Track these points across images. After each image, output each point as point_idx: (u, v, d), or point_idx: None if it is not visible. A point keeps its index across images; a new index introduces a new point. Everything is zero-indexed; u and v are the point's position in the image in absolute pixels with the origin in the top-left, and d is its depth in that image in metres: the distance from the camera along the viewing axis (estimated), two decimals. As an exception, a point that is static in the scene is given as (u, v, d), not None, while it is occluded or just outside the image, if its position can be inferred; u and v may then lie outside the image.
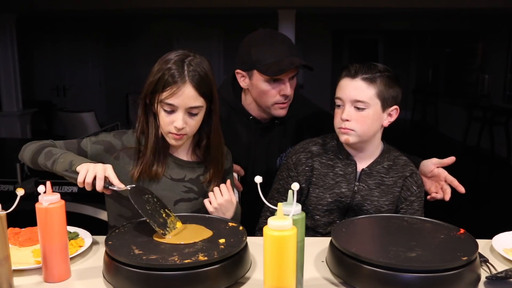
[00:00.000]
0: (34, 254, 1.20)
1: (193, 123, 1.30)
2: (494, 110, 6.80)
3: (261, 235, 1.10)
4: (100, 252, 1.25)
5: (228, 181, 1.39)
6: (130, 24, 8.30)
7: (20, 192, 0.98)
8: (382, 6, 5.34)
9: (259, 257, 1.20)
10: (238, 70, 1.61)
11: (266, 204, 1.08)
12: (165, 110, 1.27)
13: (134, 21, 8.23)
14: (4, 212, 0.99)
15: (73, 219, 1.40)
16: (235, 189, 1.55)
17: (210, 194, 1.36)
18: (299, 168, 1.46)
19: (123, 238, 1.15)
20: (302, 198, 1.47)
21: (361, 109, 1.34)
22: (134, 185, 1.22)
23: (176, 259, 1.02)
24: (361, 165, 1.43)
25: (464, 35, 8.19)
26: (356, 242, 1.13)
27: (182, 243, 1.11)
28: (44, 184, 1.05)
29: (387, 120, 1.40)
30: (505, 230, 1.34)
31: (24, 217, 1.37)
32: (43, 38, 8.22)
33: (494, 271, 1.12)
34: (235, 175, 1.61)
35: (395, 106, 1.39)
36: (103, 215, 3.02)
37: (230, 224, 1.24)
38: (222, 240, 1.12)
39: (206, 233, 1.17)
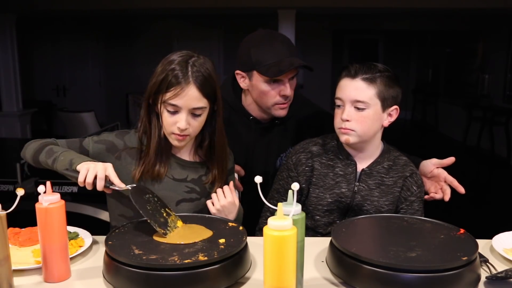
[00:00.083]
0: (34, 254, 1.20)
1: (196, 124, 1.29)
2: (494, 110, 6.80)
3: (261, 235, 1.10)
4: (100, 252, 1.25)
5: (231, 183, 1.39)
6: (130, 24, 8.30)
7: (20, 192, 0.98)
8: (382, 6, 5.34)
9: (259, 257, 1.20)
10: (238, 71, 1.61)
11: (266, 204, 1.08)
12: (168, 111, 1.27)
13: (134, 21, 8.23)
14: (4, 212, 0.99)
15: (73, 219, 1.40)
16: (236, 189, 1.55)
17: (213, 195, 1.36)
18: (299, 168, 1.46)
19: (123, 238, 1.15)
20: (302, 198, 1.47)
21: (361, 109, 1.34)
22: (135, 185, 1.22)
23: (176, 259, 1.02)
24: (361, 165, 1.43)
25: (464, 35, 8.19)
26: (356, 242, 1.13)
27: (182, 243, 1.11)
28: (44, 184, 1.05)
29: (387, 120, 1.40)
30: (505, 230, 1.34)
31: (24, 217, 1.37)
32: (43, 38, 8.22)
33: (494, 271, 1.12)
34: (235, 175, 1.61)
35: (395, 106, 1.39)
36: (103, 215, 3.02)
37: (230, 224, 1.24)
38: (222, 240, 1.12)
39: (206, 233, 1.17)
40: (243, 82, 1.61)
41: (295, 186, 0.91)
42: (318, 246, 1.29)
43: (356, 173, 1.43)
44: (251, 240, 1.20)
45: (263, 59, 1.52)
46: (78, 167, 1.19)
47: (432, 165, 1.50)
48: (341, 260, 1.09)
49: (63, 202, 1.08)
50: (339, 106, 1.39)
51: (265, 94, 1.56)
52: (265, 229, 0.89)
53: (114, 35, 8.55)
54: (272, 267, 0.89)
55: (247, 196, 1.64)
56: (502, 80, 6.90)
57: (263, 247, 0.89)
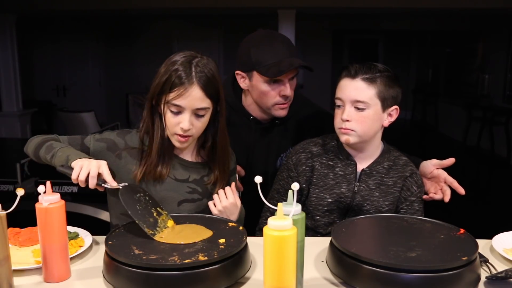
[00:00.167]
0: (34, 254, 1.20)
1: (199, 125, 1.29)
2: (494, 110, 6.80)
3: (261, 235, 1.10)
4: (100, 252, 1.25)
5: (233, 184, 1.39)
6: (130, 24, 8.30)
7: (20, 192, 0.98)
8: (382, 6, 5.34)
9: (259, 257, 1.20)
10: (238, 71, 1.61)
11: (266, 204, 1.08)
12: (171, 111, 1.26)
13: (134, 21, 8.23)
14: (4, 212, 0.99)
15: (73, 219, 1.41)
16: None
17: (215, 196, 1.36)
18: (299, 169, 1.46)
19: (123, 238, 1.15)
20: (302, 198, 1.47)
21: (361, 109, 1.34)
22: (126, 184, 1.21)
23: (176, 259, 1.02)
24: (361, 165, 1.43)
25: (464, 35, 8.19)
26: (356, 242, 1.13)
27: (182, 243, 1.11)
28: (44, 184, 1.05)
29: (387, 120, 1.40)
30: (505, 230, 1.34)
31: (24, 217, 1.37)
32: (43, 38, 8.22)
33: (494, 271, 1.12)
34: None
35: (395, 106, 1.39)
36: (103, 215, 3.02)
37: (230, 224, 1.24)
38: (222, 240, 1.12)
39: (206, 233, 1.16)
40: (243, 83, 1.61)
41: (295, 186, 0.91)
42: (318, 246, 1.29)
43: (356, 173, 1.43)
44: (251, 240, 1.20)
45: (263, 59, 1.52)
46: (73, 164, 1.19)
47: (432, 166, 1.50)
48: (341, 260, 1.09)
49: (63, 202, 1.08)
50: (339, 106, 1.39)
51: (265, 94, 1.56)
52: (265, 229, 0.89)
53: (114, 35, 8.55)
54: (272, 267, 0.89)
55: (247, 196, 1.64)
56: (502, 80, 6.90)
57: (263, 247, 0.89)
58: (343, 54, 9.75)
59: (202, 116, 1.28)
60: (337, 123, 1.39)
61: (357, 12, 6.91)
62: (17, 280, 1.09)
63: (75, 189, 3.13)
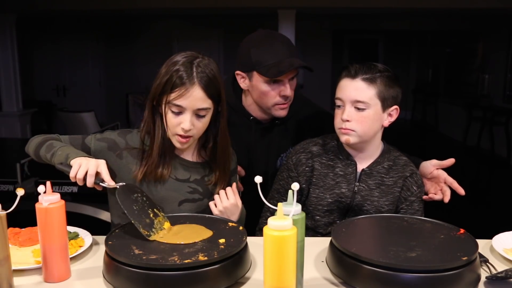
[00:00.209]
0: (34, 254, 1.20)
1: (200, 125, 1.29)
2: (494, 110, 6.80)
3: (261, 235, 1.10)
4: (100, 252, 1.25)
5: (234, 185, 1.39)
6: (130, 24, 8.30)
7: (20, 192, 0.98)
8: (382, 6, 5.34)
9: (259, 257, 1.20)
10: (238, 72, 1.61)
11: (266, 204, 1.08)
12: (172, 112, 1.26)
13: (134, 21, 8.23)
14: (4, 212, 0.99)
15: (73, 219, 1.41)
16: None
17: (216, 196, 1.36)
18: (299, 169, 1.46)
19: (123, 238, 1.15)
20: (302, 198, 1.47)
21: (362, 110, 1.34)
22: (124, 183, 1.21)
23: (176, 259, 1.02)
24: (361, 165, 1.43)
25: (464, 35, 8.19)
26: (356, 242, 1.13)
27: (182, 243, 1.11)
28: (44, 184, 1.05)
29: (387, 120, 1.40)
30: (505, 230, 1.34)
31: (24, 217, 1.37)
32: (43, 38, 8.22)
33: (494, 271, 1.12)
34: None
35: (395, 106, 1.39)
36: (103, 215, 3.02)
37: (230, 224, 1.24)
38: (222, 240, 1.12)
39: (206, 233, 1.16)
40: (243, 83, 1.61)
41: (295, 186, 0.91)
42: (318, 246, 1.29)
43: (356, 173, 1.43)
44: (251, 240, 1.20)
45: (263, 60, 1.52)
46: (72, 162, 1.19)
47: (432, 166, 1.50)
48: (341, 260, 1.09)
49: (63, 202, 1.08)
50: (339, 106, 1.39)
51: (265, 94, 1.56)
52: (265, 229, 0.89)
53: (114, 35, 8.55)
54: (272, 267, 0.89)
55: (247, 196, 1.64)
56: (502, 80, 6.90)
57: (263, 247, 0.89)
58: (343, 54, 9.75)
59: (203, 116, 1.28)
60: (337, 123, 1.39)
61: (357, 12, 6.91)
62: (17, 280, 1.09)
63: (75, 189, 3.13)
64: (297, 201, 0.98)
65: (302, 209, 1.14)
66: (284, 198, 1.46)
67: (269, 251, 0.88)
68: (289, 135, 1.71)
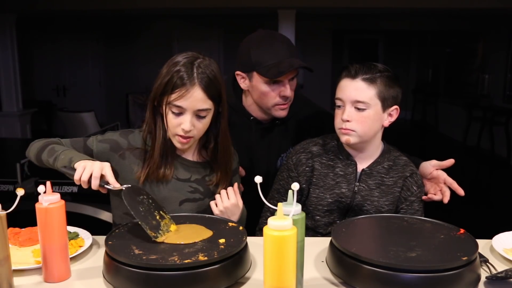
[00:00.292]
0: (34, 254, 1.20)
1: (201, 126, 1.29)
2: (494, 110, 6.80)
3: (261, 235, 1.10)
4: (100, 252, 1.25)
5: (235, 185, 1.40)
6: (130, 24, 8.30)
7: (20, 192, 0.98)
8: (382, 6, 5.34)
9: (259, 257, 1.20)
10: (238, 72, 1.61)
11: (266, 204, 1.08)
12: (173, 112, 1.26)
13: (134, 21, 8.23)
14: (4, 212, 0.99)
15: (73, 219, 1.40)
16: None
17: (217, 196, 1.36)
18: (300, 169, 1.46)
19: (123, 238, 1.15)
20: (302, 198, 1.47)
21: (362, 110, 1.34)
22: (129, 185, 1.21)
23: (176, 259, 1.02)
24: (361, 165, 1.43)
25: (464, 35, 8.19)
26: (356, 242, 1.13)
27: (182, 243, 1.11)
28: (44, 184, 1.05)
29: (387, 120, 1.40)
30: (505, 230, 1.34)
31: (24, 217, 1.37)
32: (43, 38, 8.22)
33: (494, 271, 1.12)
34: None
35: (395, 106, 1.39)
36: (103, 215, 3.02)
37: (230, 224, 1.24)
38: (222, 240, 1.12)
39: (206, 233, 1.16)
40: (243, 83, 1.61)
41: (295, 186, 0.91)
42: (318, 246, 1.29)
43: (356, 173, 1.43)
44: (251, 240, 1.20)
45: (263, 60, 1.52)
46: (76, 165, 1.19)
47: (431, 167, 1.50)
48: (341, 260, 1.09)
49: (63, 202, 1.08)
50: (339, 106, 1.39)
51: (265, 95, 1.56)
52: (265, 229, 0.89)
53: (114, 35, 8.55)
54: (272, 267, 0.89)
55: (248, 196, 1.64)
56: (502, 80, 6.90)
57: (263, 247, 0.89)
58: (343, 54, 9.75)
59: (204, 117, 1.28)
60: (338, 123, 1.39)
61: (357, 12, 6.91)
62: (17, 280, 1.09)
63: (75, 189, 3.13)
64: (297, 201, 0.98)
65: (302, 209, 1.14)
66: (284, 198, 1.46)
67: (269, 251, 0.88)
68: (289, 135, 1.71)
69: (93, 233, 1.33)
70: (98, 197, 1.44)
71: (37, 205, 1.06)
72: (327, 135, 1.51)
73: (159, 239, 1.13)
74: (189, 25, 8.38)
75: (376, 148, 1.44)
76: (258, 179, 0.96)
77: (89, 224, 1.52)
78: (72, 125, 5.83)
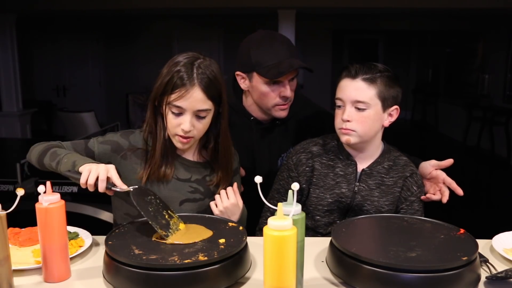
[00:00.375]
0: (34, 254, 1.20)
1: (201, 126, 1.29)
2: (494, 110, 6.80)
3: (261, 235, 1.10)
4: (100, 252, 1.25)
5: (235, 184, 1.40)
6: (130, 24, 8.30)
7: (20, 192, 0.98)
8: (382, 6, 5.33)
9: (259, 257, 1.20)
10: (238, 72, 1.61)
11: (266, 204, 1.08)
12: (173, 112, 1.27)
13: (134, 21, 8.23)
14: (4, 212, 0.99)
15: (73, 219, 1.40)
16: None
17: (217, 197, 1.36)
18: (300, 169, 1.46)
19: (123, 238, 1.15)
20: (302, 198, 1.47)
21: (362, 110, 1.34)
22: (136, 186, 1.21)
23: (176, 259, 1.02)
24: (362, 165, 1.43)
25: (464, 35, 8.19)
26: (356, 242, 1.13)
27: (182, 243, 1.11)
28: (44, 184, 1.05)
29: (387, 120, 1.40)
30: (505, 230, 1.34)
31: (24, 217, 1.37)
32: (43, 38, 8.21)
33: (494, 271, 1.12)
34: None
35: (396, 106, 1.39)
36: (103, 215, 3.02)
37: (230, 224, 1.24)
38: (222, 240, 1.12)
39: (206, 233, 1.17)
40: (243, 83, 1.61)
41: (295, 186, 0.91)
42: (318, 246, 1.29)
43: (357, 173, 1.43)
44: (251, 240, 1.20)
45: (263, 61, 1.52)
46: (81, 169, 1.19)
47: (431, 167, 1.50)
48: (341, 260, 1.09)
49: (63, 202, 1.08)
50: (339, 106, 1.39)
51: (265, 95, 1.56)
52: (265, 229, 0.89)
53: (114, 35, 8.55)
54: (272, 267, 0.89)
55: (248, 196, 1.64)
56: (502, 80, 6.90)
57: (263, 247, 0.89)
58: (343, 54, 9.75)
59: (204, 117, 1.28)
60: (338, 123, 1.39)
61: (357, 12, 6.91)
62: (17, 280, 1.09)
63: (75, 189, 3.13)
64: (297, 201, 0.98)
65: (302, 209, 1.14)
66: (284, 198, 1.46)
67: (269, 251, 0.88)
68: (289, 135, 1.71)
69: (93, 233, 1.33)
70: (98, 197, 1.44)
71: (37, 205, 1.06)
72: (327, 135, 1.51)
73: (170, 238, 1.13)
74: (189, 25, 8.38)
75: (376, 148, 1.44)
76: (258, 179, 0.96)
77: (89, 224, 1.52)
78: (72, 125, 5.83)
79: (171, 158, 1.35)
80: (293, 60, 1.52)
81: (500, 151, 6.68)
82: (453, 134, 8.20)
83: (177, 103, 1.24)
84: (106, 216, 2.98)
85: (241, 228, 1.20)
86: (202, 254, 1.04)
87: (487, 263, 1.16)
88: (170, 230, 1.16)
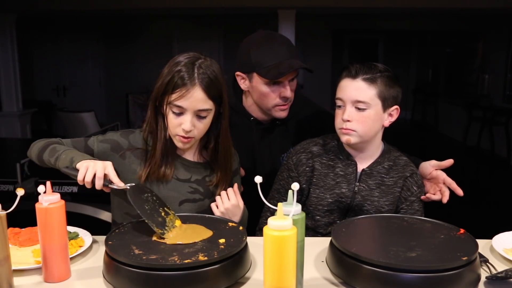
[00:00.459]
0: (34, 254, 1.20)
1: (201, 126, 1.29)
2: (494, 110, 6.80)
3: (261, 235, 1.10)
4: (100, 252, 1.25)
5: (235, 185, 1.39)
6: (130, 24, 8.30)
7: (20, 192, 0.98)
8: (382, 6, 5.34)
9: (259, 257, 1.20)
10: (238, 72, 1.61)
11: (267, 205, 1.08)
12: (173, 112, 1.27)
13: (134, 21, 8.23)
14: (4, 212, 0.99)
15: (73, 219, 1.41)
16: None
17: (217, 198, 1.36)
18: (300, 169, 1.46)
19: (123, 238, 1.15)
20: (302, 198, 1.47)
21: (362, 110, 1.34)
22: (133, 184, 1.21)
23: (176, 259, 1.02)
24: (362, 165, 1.43)
25: (464, 35, 8.19)
26: (356, 242, 1.13)
27: (182, 243, 1.11)
28: (44, 184, 1.05)
29: (387, 120, 1.40)
30: (505, 230, 1.34)
31: (24, 217, 1.37)
32: (43, 38, 8.22)
33: (494, 271, 1.12)
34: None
35: (396, 106, 1.39)
36: (103, 215, 3.02)
37: (230, 224, 1.24)
38: (222, 240, 1.12)
39: (206, 233, 1.17)
40: (243, 84, 1.61)
41: (295, 186, 0.91)
42: (318, 246, 1.29)
43: (357, 173, 1.43)
44: (251, 240, 1.20)
45: (263, 61, 1.52)
46: (78, 165, 1.19)
47: (431, 167, 1.50)
48: (341, 260, 1.09)
49: (63, 202, 1.08)
50: (339, 106, 1.39)
51: (265, 96, 1.56)
52: (265, 229, 0.89)
53: (114, 35, 8.55)
54: (272, 267, 0.89)
55: (248, 196, 1.64)
56: (502, 80, 6.90)
57: (263, 247, 0.89)
58: (343, 54, 9.74)
59: (204, 117, 1.28)
60: (338, 123, 1.39)
61: (357, 12, 6.91)
62: (17, 280, 1.09)
63: (75, 189, 3.13)
64: (297, 201, 0.98)
65: (302, 209, 1.14)
66: (284, 198, 1.46)
67: (269, 251, 0.88)
68: (289, 135, 1.71)
69: (93, 233, 1.33)
70: (98, 197, 1.45)
71: (37, 205, 1.06)
72: (328, 135, 1.51)
73: (166, 235, 1.14)
74: (189, 25, 8.38)
75: (376, 148, 1.44)
76: (257, 179, 0.96)
77: (89, 224, 1.52)
78: (72, 125, 5.83)
79: (171, 158, 1.35)
80: (293, 61, 1.52)
81: (500, 151, 6.68)
82: (453, 134, 8.21)
83: (178, 103, 1.24)
84: (106, 216, 2.98)
85: (241, 228, 1.20)
86: (202, 254, 1.04)
87: (487, 263, 1.16)
88: (166, 228, 1.16)
